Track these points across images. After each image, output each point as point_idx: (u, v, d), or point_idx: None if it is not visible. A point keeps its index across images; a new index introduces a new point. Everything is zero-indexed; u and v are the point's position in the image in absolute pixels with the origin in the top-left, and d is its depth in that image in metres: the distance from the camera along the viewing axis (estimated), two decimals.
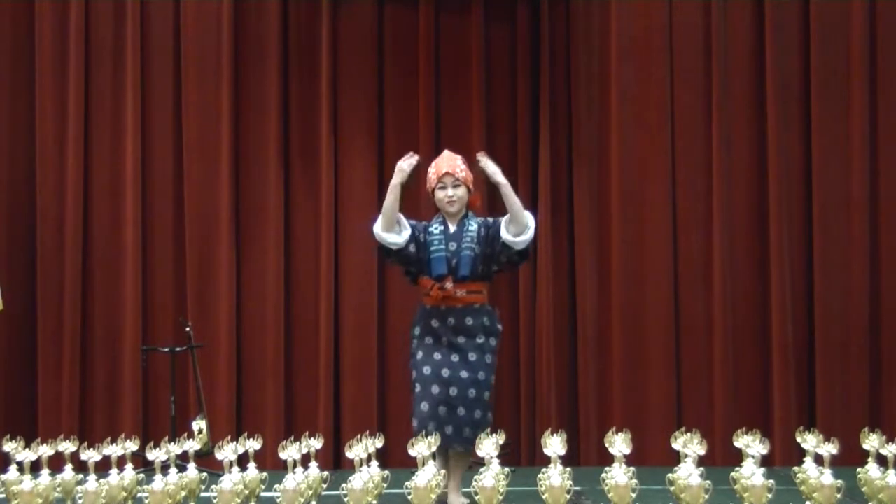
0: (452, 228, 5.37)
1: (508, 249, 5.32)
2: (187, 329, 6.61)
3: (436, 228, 5.38)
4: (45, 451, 5.01)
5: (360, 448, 4.64)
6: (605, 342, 7.24)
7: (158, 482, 4.62)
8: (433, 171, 5.44)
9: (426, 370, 5.26)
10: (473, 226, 5.35)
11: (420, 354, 5.32)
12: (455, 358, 5.25)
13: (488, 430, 5.05)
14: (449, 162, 5.42)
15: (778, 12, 7.22)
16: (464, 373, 5.22)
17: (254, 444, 4.89)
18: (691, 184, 7.29)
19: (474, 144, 7.19)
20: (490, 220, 5.43)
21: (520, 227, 5.27)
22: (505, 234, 5.28)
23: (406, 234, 5.34)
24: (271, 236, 7.32)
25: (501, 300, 7.22)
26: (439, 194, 5.39)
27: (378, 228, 5.34)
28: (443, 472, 4.74)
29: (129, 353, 7.20)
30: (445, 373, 5.23)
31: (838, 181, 7.21)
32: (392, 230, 5.33)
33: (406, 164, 5.36)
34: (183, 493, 4.74)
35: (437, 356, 5.26)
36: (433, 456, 4.56)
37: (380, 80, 7.40)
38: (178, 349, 6.59)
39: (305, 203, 7.37)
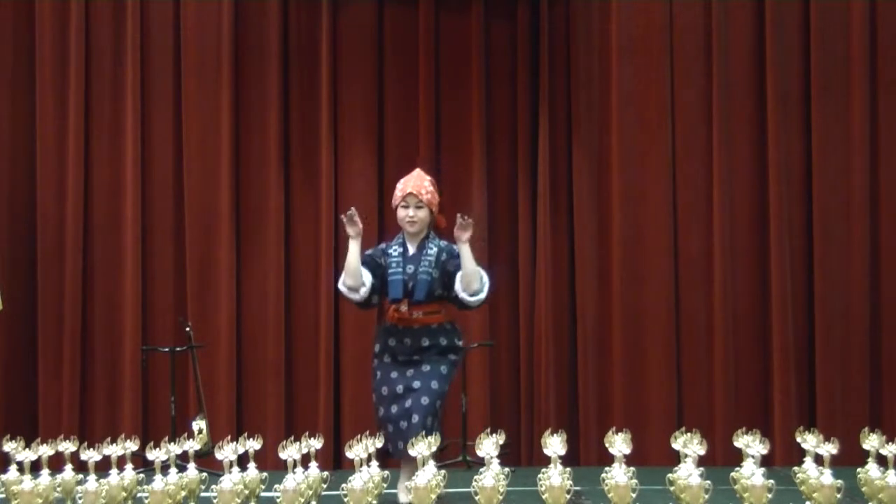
0: (412, 250, 5.36)
1: (462, 303, 5.33)
2: (187, 329, 6.61)
3: (394, 251, 5.37)
4: (45, 451, 5.01)
5: (360, 448, 4.64)
6: (605, 342, 7.23)
7: (158, 482, 4.62)
8: (399, 189, 5.41)
9: (384, 390, 5.31)
10: (433, 249, 5.34)
11: (379, 374, 5.38)
12: (409, 372, 5.29)
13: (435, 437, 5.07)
14: (416, 182, 5.39)
15: (778, 12, 7.21)
16: (416, 382, 5.25)
17: (254, 444, 4.90)
18: (691, 184, 7.28)
19: (474, 144, 7.21)
20: (454, 247, 5.34)
21: (472, 289, 5.25)
22: (462, 294, 5.26)
23: (364, 290, 5.34)
24: (271, 236, 7.32)
25: (501, 300, 7.23)
26: (401, 213, 5.38)
27: (342, 285, 5.39)
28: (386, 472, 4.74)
29: (129, 353, 7.19)
30: (399, 388, 5.26)
31: (838, 181, 7.20)
32: (356, 284, 5.33)
33: (349, 218, 5.28)
34: (183, 493, 4.74)
35: (394, 374, 5.31)
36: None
37: (380, 80, 7.39)
38: (178, 349, 6.60)
39: (305, 203, 7.36)
